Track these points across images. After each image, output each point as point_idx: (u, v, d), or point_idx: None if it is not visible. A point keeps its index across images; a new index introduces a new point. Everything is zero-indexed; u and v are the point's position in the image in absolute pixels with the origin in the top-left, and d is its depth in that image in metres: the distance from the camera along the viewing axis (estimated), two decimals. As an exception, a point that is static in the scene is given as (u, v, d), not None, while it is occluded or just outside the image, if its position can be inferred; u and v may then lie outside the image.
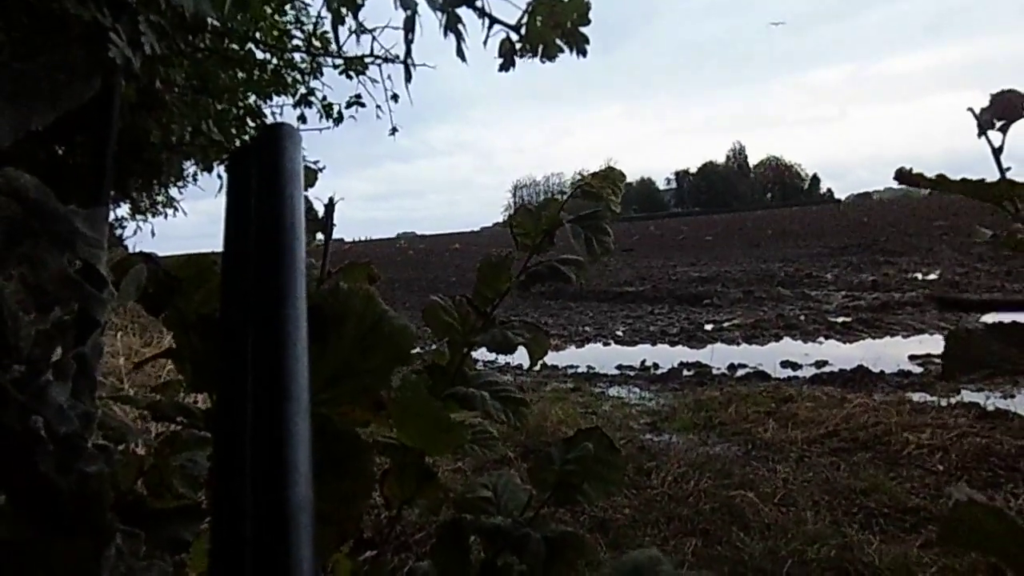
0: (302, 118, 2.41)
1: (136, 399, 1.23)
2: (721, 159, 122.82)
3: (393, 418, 0.87)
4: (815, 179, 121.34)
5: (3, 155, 1.06)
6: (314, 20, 2.21)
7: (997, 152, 0.77)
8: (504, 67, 1.07)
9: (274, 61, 2.15)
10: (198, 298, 1.08)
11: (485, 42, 1.04)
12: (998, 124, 0.80)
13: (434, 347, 1.14)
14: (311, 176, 1.00)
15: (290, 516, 0.37)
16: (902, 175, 0.80)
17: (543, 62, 1.03)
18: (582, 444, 0.94)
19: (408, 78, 0.93)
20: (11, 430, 0.95)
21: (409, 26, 0.92)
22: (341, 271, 0.96)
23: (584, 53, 1.04)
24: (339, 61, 2.17)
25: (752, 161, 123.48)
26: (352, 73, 2.18)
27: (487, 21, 1.04)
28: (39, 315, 0.99)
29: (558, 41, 1.02)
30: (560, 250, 1.13)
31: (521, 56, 1.05)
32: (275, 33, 2.19)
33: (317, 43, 2.22)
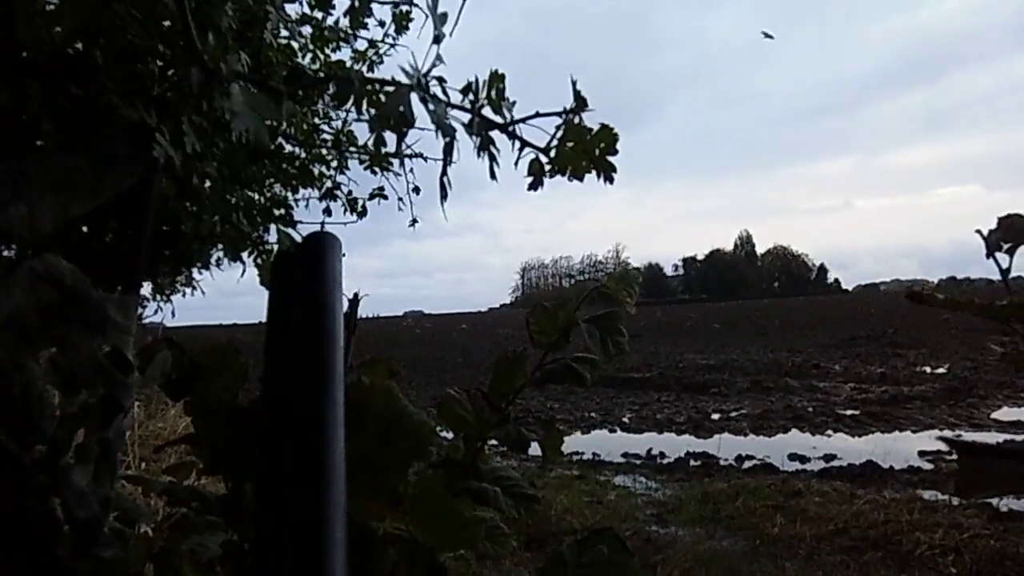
0: (327, 211, 2.48)
1: (152, 482, 1.24)
2: (728, 247, 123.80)
3: (410, 514, 0.88)
4: (822, 269, 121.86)
5: (41, 240, 1.10)
6: (343, 117, 2.30)
7: (1005, 273, 0.80)
8: (533, 186, 1.12)
9: (302, 155, 2.22)
10: (219, 385, 1.10)
11: (516, 163, 1.09)
12: (1005, 246, 0.84)
13: (447, 439, 1.16)
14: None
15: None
16: (913, 295, 0.83)
17: (570, 181, 1.08)
18: (596, 547, 0.94)
19: (444, 196, 0.98)
20: (30, 511, 0.96)
21: (448, 151, 0.97)
22: (363, 365, 0.98)
23: (611, 180, 1.08)
24: (365, 156, 2.25)
25: (759, 249, 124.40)
26: (376, 169, 2.25)
27: (518, 144, 1.09)
28: (65, 397, 1.01)
29: (585, 164, 1.07)
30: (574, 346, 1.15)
31: (550, 176, 1.10)
32: (304, 127, 2.27)
33: (344, 138, 2.29)
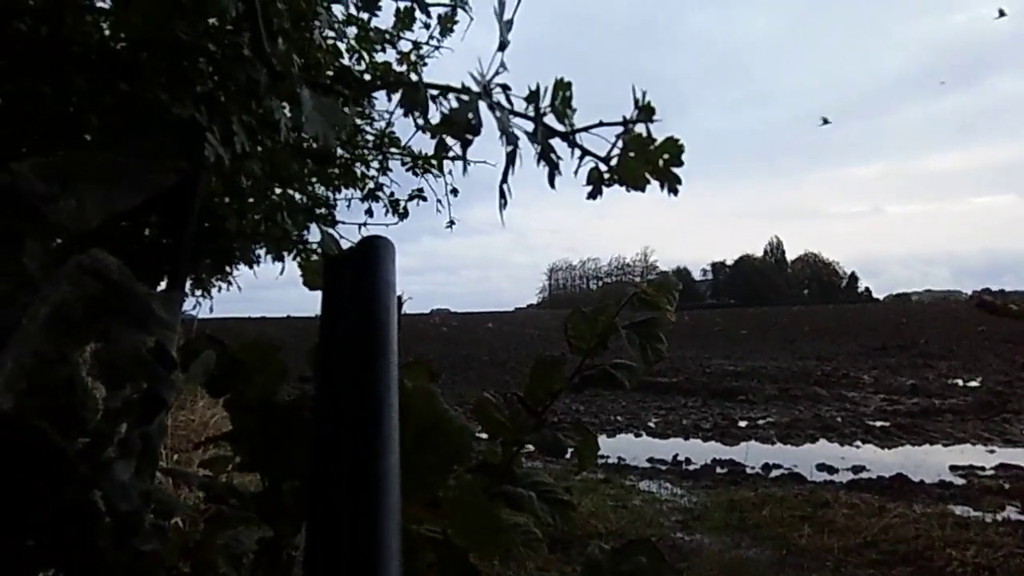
0: (369, 212, 2.48)
1: (190, 476, 1.25)
2: (758, 252, 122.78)
3: (449, 518, 0.88)
4: (853, 277, 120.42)
5: (89, 234, 1.11)
6: (386, 118, 2.30)
7: None
8: (592, 195, 1.12)
9: (345, 155, 2.23)
10: (259, 383, 1.11)
11: (576, 172, 1.08)
12: None
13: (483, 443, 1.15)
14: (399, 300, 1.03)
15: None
16: (985, 304, 0.81)
17: (628, 191, 1.07)
18: (634, 556, 0.93)
19: (504, 204, 0.97)
20: (72, 503, 0.97)
21: (511, 159, 0.96)
22: (403, 367, 0.98)
23: (676, 192, 1.07)
24: (407, 158, 2.25)
25: (790, 256, 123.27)
26: (418, 170, 2.26)
27: (579, 152, 1.09)
28: (109, 391, 1.02)
29: (647, 175, 1.06)
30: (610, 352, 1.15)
31: (608, 185, 1.09)
32: (347, 128, 2.28)
33: (387, 140, 2.30)
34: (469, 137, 0.95)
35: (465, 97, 0.96)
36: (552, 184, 1.06)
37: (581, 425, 1.10)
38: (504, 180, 0.98)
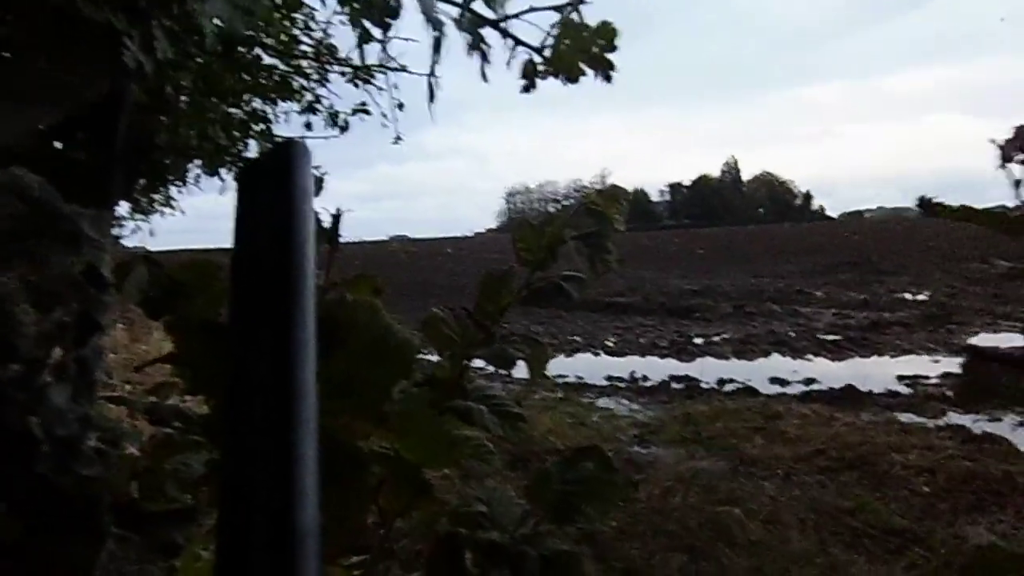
0: (308, 126, 2.40)
1: (134, 401, 1.23)
2: (715, 173, 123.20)
3: (396, 432, 0.87)
4: (808, 196, 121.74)
5: (8, 152, 1.06)
6: (323, 27, 2.21)
7: (1018, 183, 0.78)
8: (526, 88, 1.08)
9: (281, 67, 2.14)
10: (200, 303, 1.08)
11: (508, 63, 1.05)
12: (1018, 157, 0.82)
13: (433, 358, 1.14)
14: (318, 185, 1.00)
15: (297, 542, 0.37)
16: (924, 204, 0.80)
17: (565, 84, 1.04)
18: (581, 463, 0.94)
19: (432, 97, 0.93)
20: (9, 430, 0.94)
21: (436, 47, 0.92)
22: (347, 282, 0.96)
23: (609, 79, 1.04)
24: (347, 69, 2.17)
25: (746, 176, 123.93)
26: (358, 82, 2.18)
27: (511, 42, 1.05)
28: (39, 315, 0.98)
29: (582, 65, 1.02)
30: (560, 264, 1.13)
31: (543, 78, 1.05)
32: (283, 38, 2.18)
33: (324, 50, 2.21)
34: (388, 21, 0.91)
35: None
36: (484, 77, 1.03)
37: (530, 336, 1.09)
38: (431, 72, 0.95)
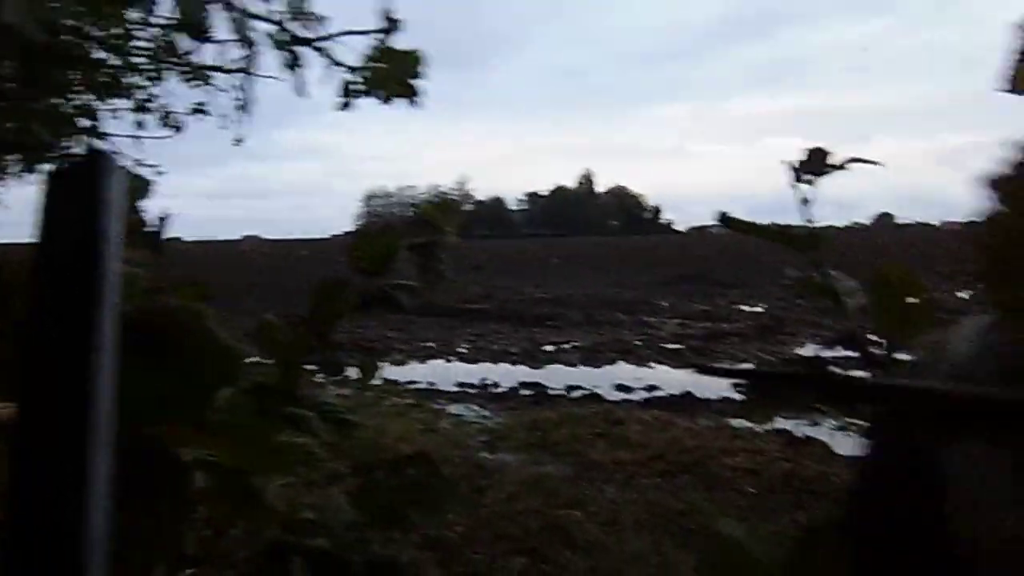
0: (140, 124, 2.29)
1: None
2: (572, 184, 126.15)
3: (219, 439, 0.86)
4: (657, 210, 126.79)
5: None
6: (161, 23, 2.11)
7: (805, 202, 0.87)
8: (344, 106, 1.10)
9: (112, 62, 2.03)
10: (20, 305, 1.03)
11: (325, 83, 1.06)
12: (808, 176, 0.91)
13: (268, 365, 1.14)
14: (143, 188, 0.97)
15: (84, 551, 0.38)
16: (723, 219, 0.88)
17: (380, 103, 1.06)
18: (410, 470, 0.96)
19: (244, 109, 0.93)
20: None
21: (248, 63, 0.92)
22: (171, 287, 0.94)
23: (415, 103, 1.07)
24: (187, 69, 2.09)
25: (600, 189, 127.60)
26: (197, 81, 2.10)
27: (328, 63, 1.06)
28: None
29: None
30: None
31: (359, 96, 1.07)
32: (115, 33, 2.07)
33: (161, 48, 2.12)
34: (203, 37, 0.90)
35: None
36: (300, 92, 1.04)
37: (361, 346, 1.11)
38: (243, 88, 0.95)
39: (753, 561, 0.55)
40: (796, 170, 0.90)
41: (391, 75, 1.02)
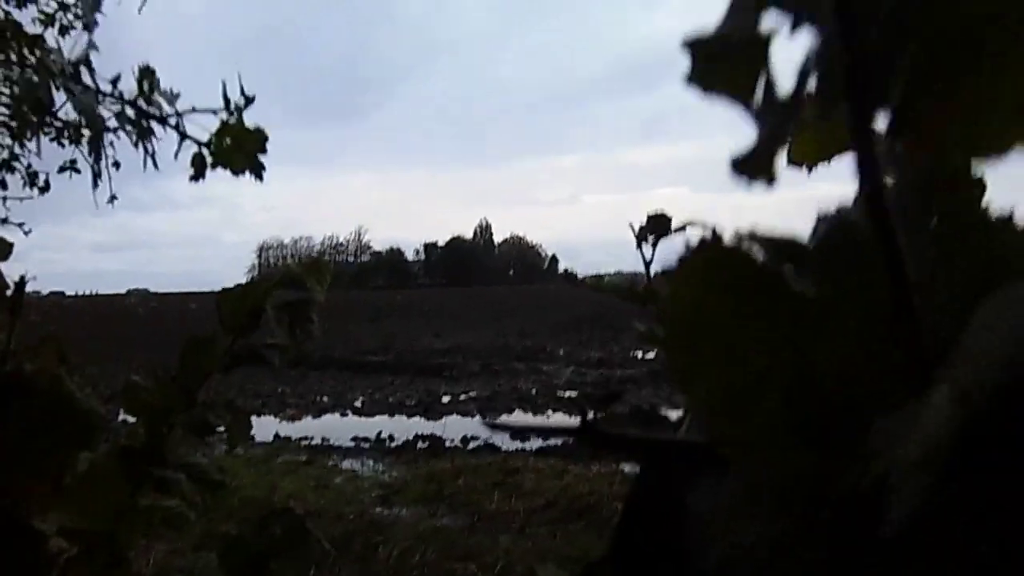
0: (3, 184, 2.22)
1: None
2: (468, 234, 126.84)
3: (77, 503, 0.86)
4: (554, 259, 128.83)
5: None
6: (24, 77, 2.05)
7: (648, 263, 0.95)
8: (195, 177, 1.12)
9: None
10: None
11: (176, 155, 1.09)
12: (651, 239, 0.99)
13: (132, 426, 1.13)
14: (4, 249, 0.97)
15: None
16: (569, 278, 0.95)
17: (234, 175, 1.09)
18: (275, 527, 0.97)
19: (95, 184, 0.94)
20: None
21: (95, 142, 0.94)
22: (28, 350, 0.93)
23: (260, 178, 1.11)
24: (57, 124, 2.03)
25: (497, 238, 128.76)
26: (66, 141, 2.05)
27: (179, 137, 1.09)
28: None
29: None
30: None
31: (212, 169, 1.10)
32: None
33: (27, 108, 2.05)
34: (42, 116, 0.92)
35: (34, 77, 0.93)
36: (154, 165, 1.06)
37: (231, 404, 1.11)
38: (96, 161, 0.97)
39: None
40: (638, 234, 0.98)
41: (236, 151, 1.06)
